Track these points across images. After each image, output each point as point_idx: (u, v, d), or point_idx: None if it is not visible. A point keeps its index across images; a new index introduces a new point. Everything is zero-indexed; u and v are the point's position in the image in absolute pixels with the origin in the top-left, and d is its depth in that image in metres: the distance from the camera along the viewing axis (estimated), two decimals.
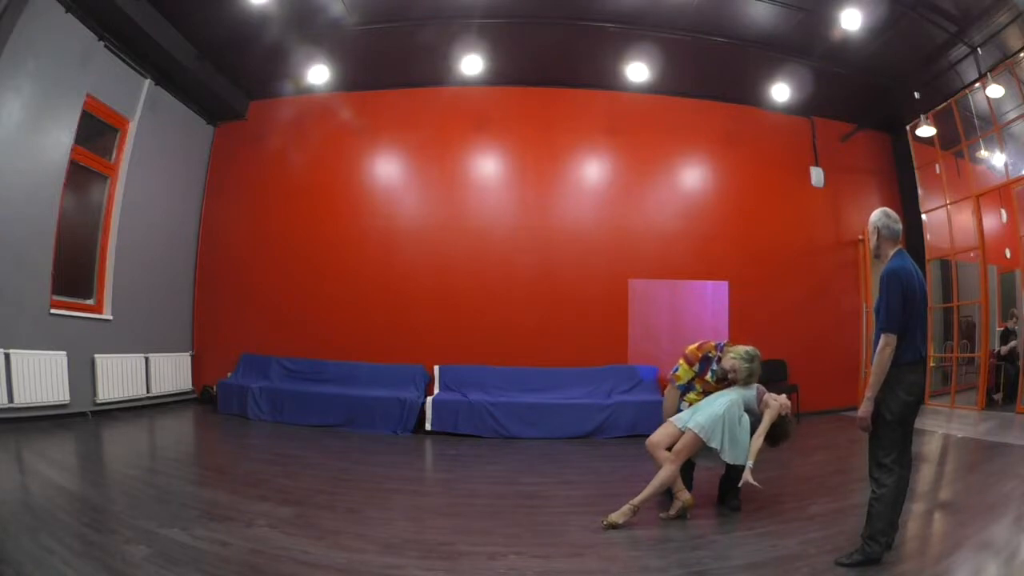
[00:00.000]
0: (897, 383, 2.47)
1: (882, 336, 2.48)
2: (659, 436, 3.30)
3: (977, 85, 6.71)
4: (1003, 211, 8.12)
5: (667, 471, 3.14)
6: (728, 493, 3.44)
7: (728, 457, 3.17)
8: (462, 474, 4.54)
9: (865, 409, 2.50)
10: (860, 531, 2.52)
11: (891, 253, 2.63)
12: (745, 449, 3.20)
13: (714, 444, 3.14)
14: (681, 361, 3.55)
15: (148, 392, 6.46)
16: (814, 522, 3.10)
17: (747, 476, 3.07)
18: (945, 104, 7.22)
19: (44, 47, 5.07)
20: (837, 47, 6.30)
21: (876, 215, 2.69)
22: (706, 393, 3.49)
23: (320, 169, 7.47)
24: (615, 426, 5.90)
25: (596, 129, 7.43)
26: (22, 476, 3.60)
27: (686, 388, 3.57)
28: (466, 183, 7.37)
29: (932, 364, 7.93)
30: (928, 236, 8.02)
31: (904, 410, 2.49)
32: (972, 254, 7.52)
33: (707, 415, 3.20)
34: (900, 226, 2.67)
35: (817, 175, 7.82)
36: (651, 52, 6.60)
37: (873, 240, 2.69)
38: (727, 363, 3.41)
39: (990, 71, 6.42)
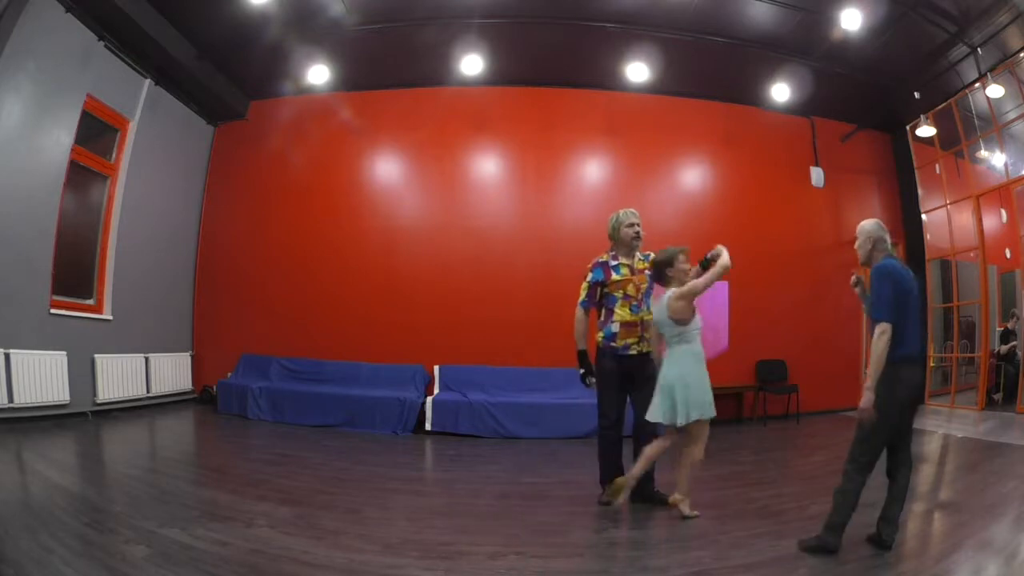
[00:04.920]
0: (890, 381, 2.50)
1: (876, 326, 2.53)
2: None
3: (977, 85, 6.71)
4: (1003, 211, 8.13)
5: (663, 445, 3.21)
6: (650, 492, 3.42)
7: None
8: (462, 474, 4.54)
9: (867, 399, 2.52)
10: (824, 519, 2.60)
11: (880, 258, 2.71)
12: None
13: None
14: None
15: (148, 392, 6.46)
16: (814, 522, 3.07)
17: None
18: (945, 104, 7.22)
19: (44, 47, 5.07)
20: (837, 47, 6.30)
21: (872, 226, 2.75)
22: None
23: (320, 169, 7.47)
24: None
25: (596, 129, 7.42)
26: (22, 476, 3.60)
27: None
28: (466, 183, 7.37)
29: (932, 364, 7.93)
30: (928, 236, 8.02)
31: (896, 409, 2.52)
32: (972, 254, 7.52)
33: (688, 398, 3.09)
34: (890, 237, 2.77)
35: (817, 175, 7.82)
36: (651, 52, 6.60)
37: (867, 248, 2.74)
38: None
39: (990, 71, 6.42)
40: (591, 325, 3.52)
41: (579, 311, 3.49)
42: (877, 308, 2.55)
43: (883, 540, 2.59)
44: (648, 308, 3.42)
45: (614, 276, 3.42)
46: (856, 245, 2.77)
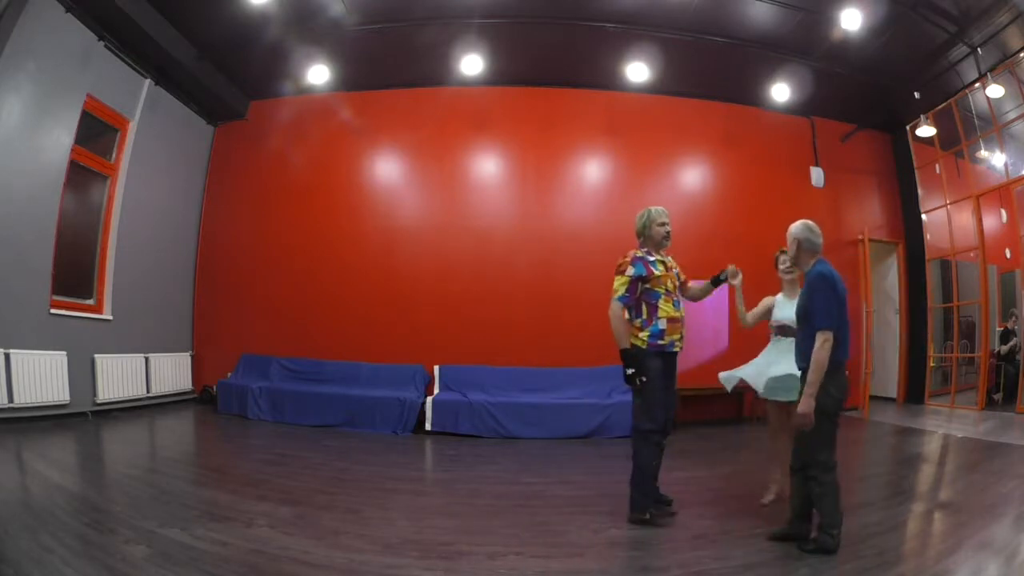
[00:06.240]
0: (829, 382, 2.62)
1: (819, 334, 2.60)
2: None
3: (977, 85, 6.72)
4: (1003, 211, 8.12)
5: None
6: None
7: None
8: (462, 474, 4.53)
9: (808, 405, 2.61)
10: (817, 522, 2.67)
11: (812, 262, 2.79)
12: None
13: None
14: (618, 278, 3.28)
15: (148, 392, 6.46)
16: (813, 522, 3.09)
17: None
18: (945, 104, 7.22)
19: (44, 47, 5.07)
20: (837, 47, 6.30)
21: (798, 228, 2.84)
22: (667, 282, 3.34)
23: (320, 169, 7.47)
24: (615, 426, 5.89)
25: (596, 129, 7.42)
26: (22, 476, 3.60)
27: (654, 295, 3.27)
28: (466, 183, 7.37)
29: (932, 364, 7.94)
30: (928, 236, 8.02)
31: (836, 407, 2.66)
32: (972, 254, 7.52)
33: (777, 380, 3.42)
34: (821, 240, 2.83)
35: (817, 175, 7.82)
36: (651, 52, 6.60)
37: (792, 250, 2.85)
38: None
39: (990, 71, 6.42)
40: None
41: (617, 306, 3.23)
42: (820, 317, 2.61)
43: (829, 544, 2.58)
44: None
45: (655, 272, 3.30)
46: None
